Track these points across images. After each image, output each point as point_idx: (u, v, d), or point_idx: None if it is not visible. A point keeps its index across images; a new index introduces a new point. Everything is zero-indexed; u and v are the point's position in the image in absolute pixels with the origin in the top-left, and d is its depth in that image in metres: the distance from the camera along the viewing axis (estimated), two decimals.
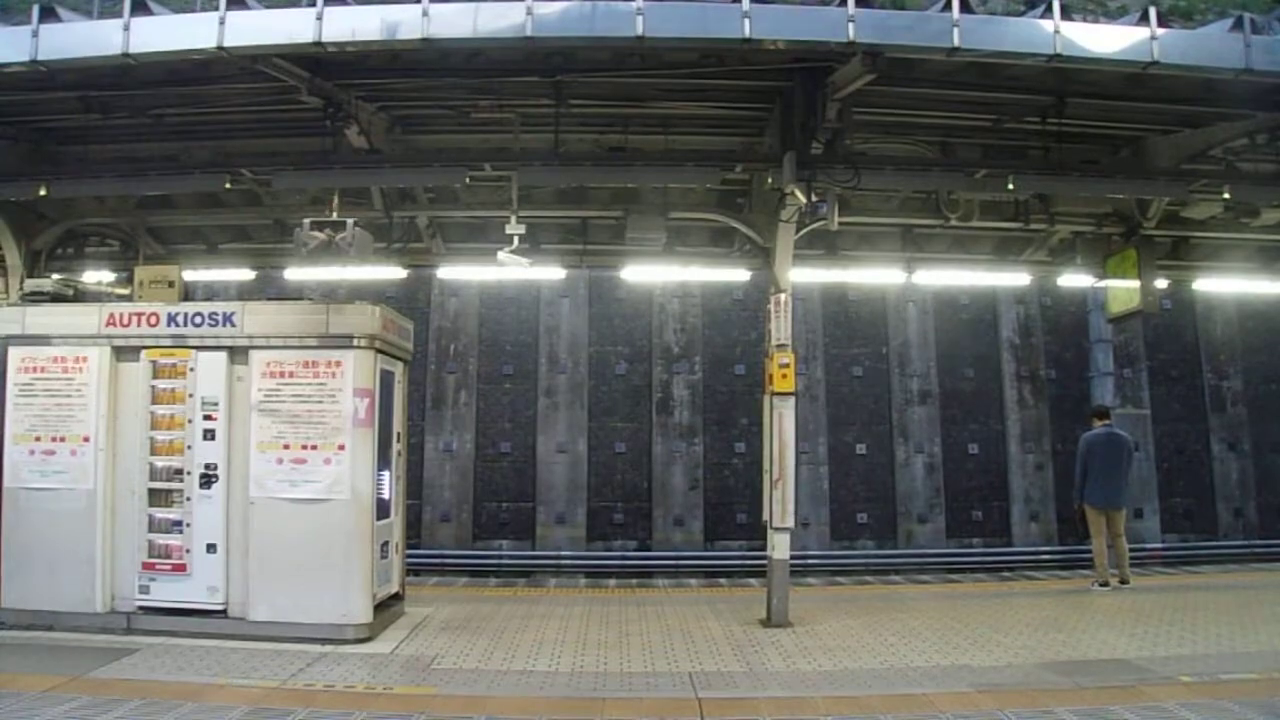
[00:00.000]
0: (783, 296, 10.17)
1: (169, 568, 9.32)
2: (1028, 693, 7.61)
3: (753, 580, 14.45)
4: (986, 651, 8.94)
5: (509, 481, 19.01)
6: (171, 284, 10.15)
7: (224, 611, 9.24)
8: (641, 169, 10.09)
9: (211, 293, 17.50)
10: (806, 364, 19.38)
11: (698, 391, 19.19)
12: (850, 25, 7.51)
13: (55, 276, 11.36)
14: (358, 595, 9.20)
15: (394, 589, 10.30)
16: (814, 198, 9.11)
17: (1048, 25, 7.78)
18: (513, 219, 9.78)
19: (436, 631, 9.78)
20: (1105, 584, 12.47)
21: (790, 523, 10.20)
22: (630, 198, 11.35)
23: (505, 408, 19.27)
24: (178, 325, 9.53)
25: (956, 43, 7.57)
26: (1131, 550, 18.65)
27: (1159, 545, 19.91)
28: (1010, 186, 10.07)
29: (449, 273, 13.02)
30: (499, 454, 19.09)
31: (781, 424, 10.11)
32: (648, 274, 13.75)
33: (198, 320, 9.51)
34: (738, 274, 12.94)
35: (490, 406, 19.19)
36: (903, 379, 19.82)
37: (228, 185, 10.18)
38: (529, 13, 7.18)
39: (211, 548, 9.29)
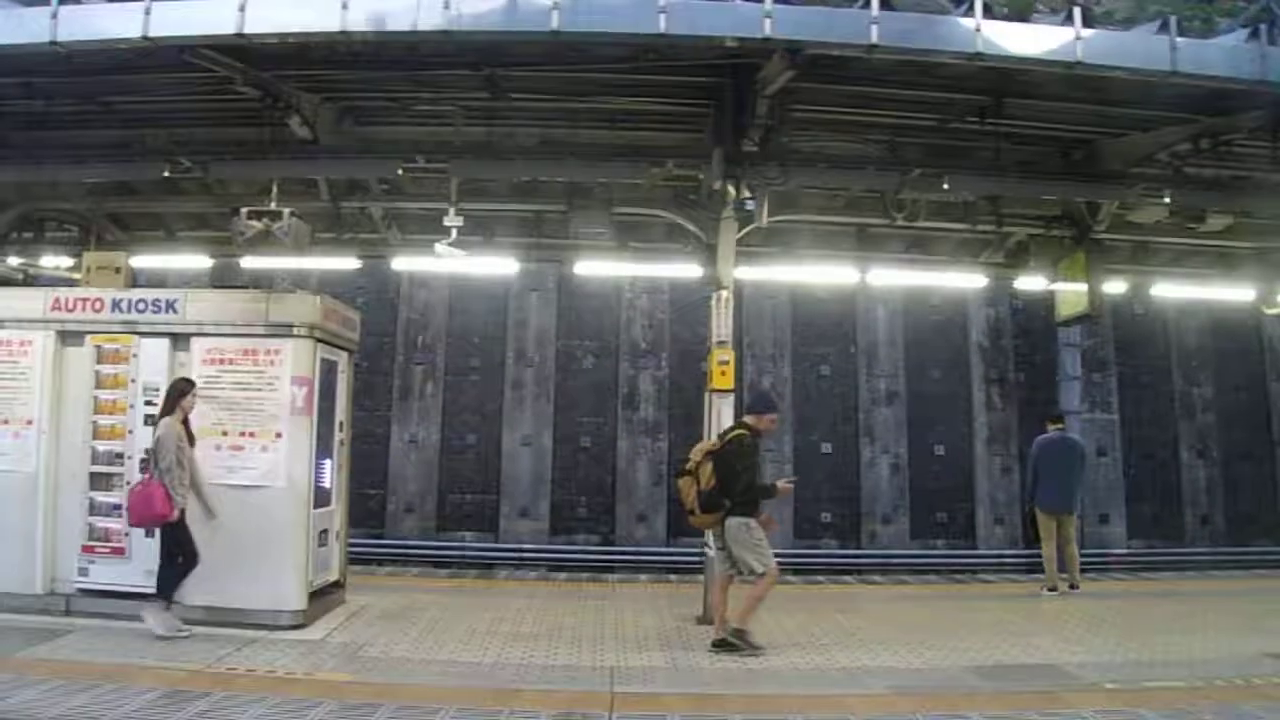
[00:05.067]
0: (724, 294, 10.22)
1: (108, 550, 9.42)
2: (945, 696, 7.58)
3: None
4: (917, 654, 8.93)
5: (474, 473, 19.02)
6: (118, 270, 10.17)
7: None
8: (574, 163, 10.17)
9: (184, 280, 17.50)
10: (774, 362, 19.42)
11: (664, 388, 19.18)
12: (767, 21, 7.57)
13: (12, 261, 11.42)
14: (292, 582, 9.28)
15: (334, 577, 10.37)
16: (744, 194, 9.15)
17: (969, 23, 7.83)
18: (451, 211, 9.86)
19: (373, 620, 9.86)
20: (1054, 588, 12.45)
21: None
22: (580, 193, 11.39)
23: (472, 400, 19.28)
24: (122, 311, 9.63)
25: (875, 39, 7.62)
26: (1096, 555, 18.77)
27: (1124, 550, 19.90)
28: (945, 186, 10.14)
29: (402, 264, 13.08)
30: (464, 446, 19.10)
31: (720, 421, 10.17)
32: (600, 269, 13.83)
33: (141, 306, 9.61)
34: (690, 270, 12.93)
35: (457, 398, 19.21)
36: (870, 379, 19.80)
37: (166, 173, 10.26)
38: (447, 7, 7.26)
39: (150, 532, 9.30)
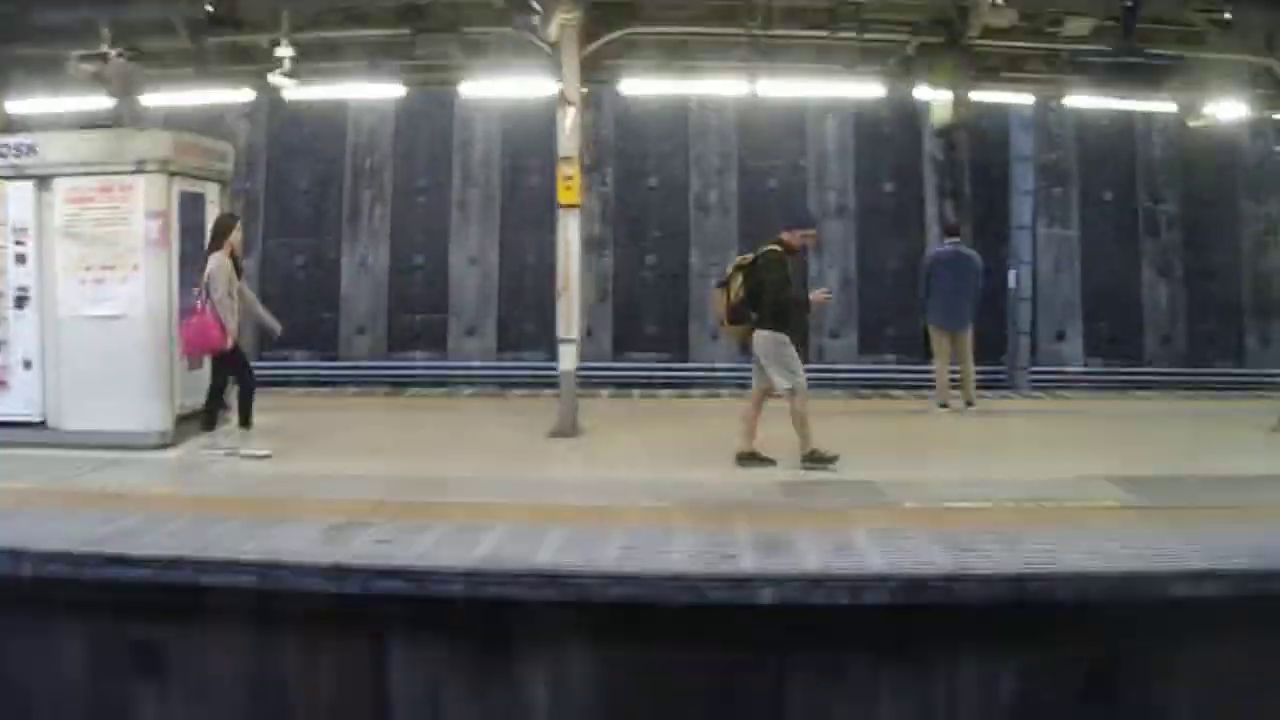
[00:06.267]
0: (569, 109, 10.15)
1: None
2: (726, 512, 7.44)
3: (663, 391, 15.53)
4: (743, 469, 9.01)
5: (422, 294, 19.44)
6: None
7: (43, 422, 9.98)
8: None
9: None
10: (720, 176, 19.30)
11: (608, 203, 19.12)
12: None
13: None
14: (156, 404, 9.90)
15: None
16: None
17: None
18: (283, 41, 9.97)
19: (241, 440, 10.38)
20: (945, 405, 12.56)
21: (575, 334, 10.72)
22: (421, 15, 11.27)
23: (419, 220, 19.53)
24: None
25: None
26: (1052, 372, 18.68)
27: (1079, 369, 19.69)
28: None
29: (294, 94, 13.01)
30: (412, 266, 19.47)
31: (567, 235, 10.36)
32: (476, 90, 14.06)
33: (4, 151, 9.95)
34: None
35: (404, 220, 19.48)
36: (820, 192, 19.57)
37: None
38: None
39: (28, 364, 10.00)
